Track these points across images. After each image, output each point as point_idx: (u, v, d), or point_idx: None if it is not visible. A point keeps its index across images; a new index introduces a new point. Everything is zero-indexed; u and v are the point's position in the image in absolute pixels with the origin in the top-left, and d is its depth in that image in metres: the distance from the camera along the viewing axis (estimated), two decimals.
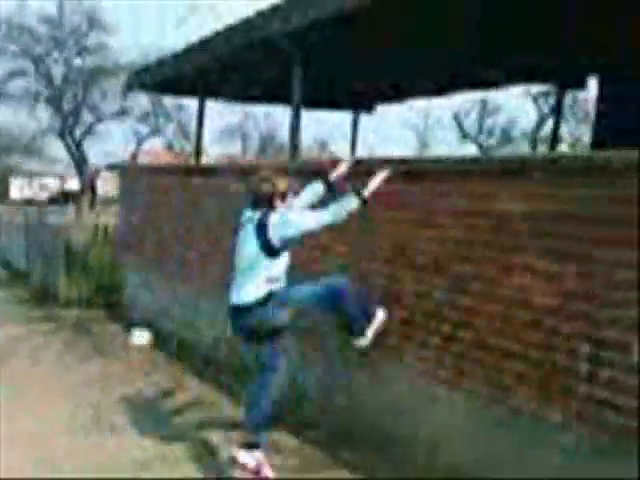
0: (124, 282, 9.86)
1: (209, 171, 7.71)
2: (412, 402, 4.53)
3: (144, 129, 31.48)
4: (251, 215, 4.31)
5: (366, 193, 4.29)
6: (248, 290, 4.21)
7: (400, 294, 4.62)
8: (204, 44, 7.46)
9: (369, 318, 4.33)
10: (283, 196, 4.29)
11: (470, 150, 29.95)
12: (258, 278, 4.20)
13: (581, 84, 7.75)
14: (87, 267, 10.54)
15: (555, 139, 8.91)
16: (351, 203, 4.22)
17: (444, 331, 4.27)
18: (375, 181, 4.39)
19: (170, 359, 7.44)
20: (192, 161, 10.00)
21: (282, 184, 4.30)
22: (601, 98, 6.73)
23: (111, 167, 12.66)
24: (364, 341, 4.33)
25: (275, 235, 4.14)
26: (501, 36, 6.08)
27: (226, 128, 41.44)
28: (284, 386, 4.35)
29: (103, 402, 5.90)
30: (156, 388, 6.36)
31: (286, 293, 4.24)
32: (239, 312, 4.26)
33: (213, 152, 44.34)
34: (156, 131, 30.92)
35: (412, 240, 4.53)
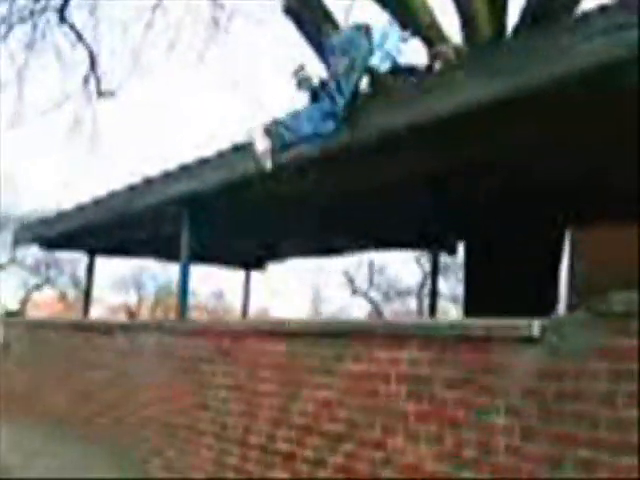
0: None
1: (79, 327, 7.71)
2: None
3: (36, 279, 30.73)
4: None
5: None
6: None
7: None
8: (94, 203, 7.66)
9: None
10: None
11: (361, 304, 30.94)
12: None
13: (452, 250, 8.42)
14: None
15: (434, 297, 9.47)
16: None
17: None
18: None
19: None
20: (82, 312, 9.89)
21: None
22: (468, 262, 7.27)
23: None
24: None
25: None
26: (372, 208, 6.64)
27: (123, 277, 40.87)
28: None
29: None
30: None
31: None
32: None
33: (110, 301, 43.28)
34: (48, 281, 30.22)
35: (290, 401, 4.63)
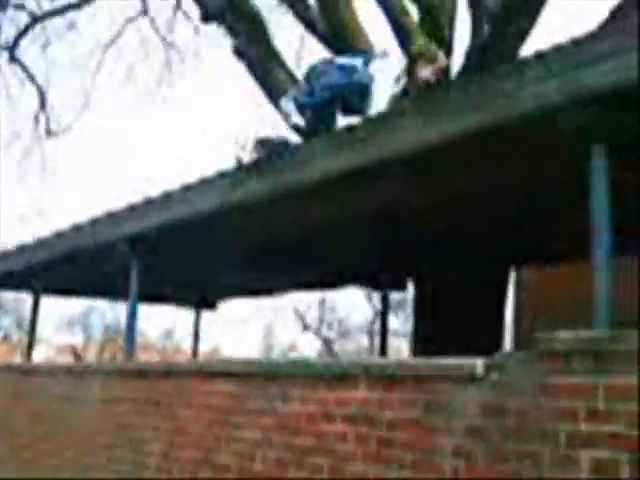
0: None
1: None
2: None
3: None
4: None
5: None
6: None
7: None
8: (40, 242, 7.51)
9: None
10: None
11: (313, 342, 30.84)
12: None
13: (402, 286, 8.47)
14: None
15: (384, 335, 9.50)
16: None
17: None
18: None
19: None
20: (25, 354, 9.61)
21: None
22: (417, 299, 7.33)
23: None
24: None
25: None
26: (321, 246, 6.67)
27: (70, 318, 39.95)
28: None
29: None
30: None
31: None
32: None
33: (56, 342, 42.17)
34: None
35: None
